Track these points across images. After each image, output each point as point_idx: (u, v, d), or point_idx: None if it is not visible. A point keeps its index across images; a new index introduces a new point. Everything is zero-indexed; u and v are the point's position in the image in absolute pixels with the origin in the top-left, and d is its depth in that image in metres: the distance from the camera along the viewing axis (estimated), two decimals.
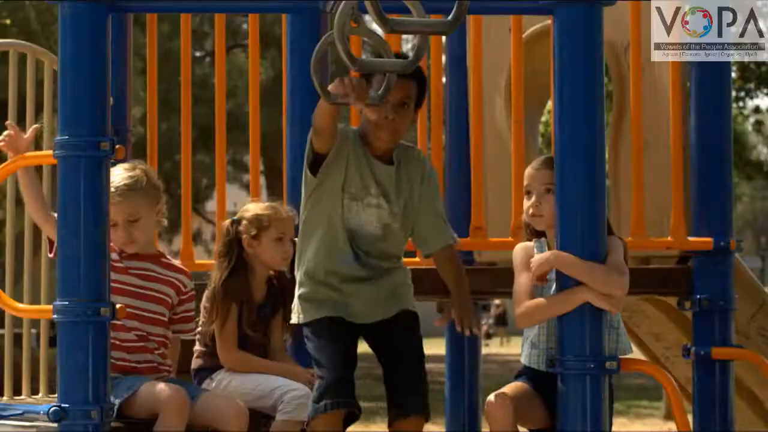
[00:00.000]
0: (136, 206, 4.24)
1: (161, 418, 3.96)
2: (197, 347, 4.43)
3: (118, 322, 4.04)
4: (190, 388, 4.16)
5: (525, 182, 4.17)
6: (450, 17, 3.29)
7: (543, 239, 4.13)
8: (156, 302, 4.27)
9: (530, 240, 4.17)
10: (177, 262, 4.47)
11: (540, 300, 3.95)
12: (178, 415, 3.95)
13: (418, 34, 3.50)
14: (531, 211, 4.10)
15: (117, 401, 3.94)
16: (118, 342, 4.13)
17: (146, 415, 4.01)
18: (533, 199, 4.09)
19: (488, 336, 30.20)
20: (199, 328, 4.40)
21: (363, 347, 4.02)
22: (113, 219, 4.06)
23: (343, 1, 3.38)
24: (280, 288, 4.38)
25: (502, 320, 29.34)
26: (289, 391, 4.18)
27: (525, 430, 4.10)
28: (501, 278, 4.52)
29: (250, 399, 4.19)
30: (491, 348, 27.21)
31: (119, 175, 4.21)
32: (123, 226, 4.20)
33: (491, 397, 4.00)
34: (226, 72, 5.35)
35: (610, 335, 3.97)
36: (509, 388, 4.05)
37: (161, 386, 4.01)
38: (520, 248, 4.13)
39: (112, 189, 4.02)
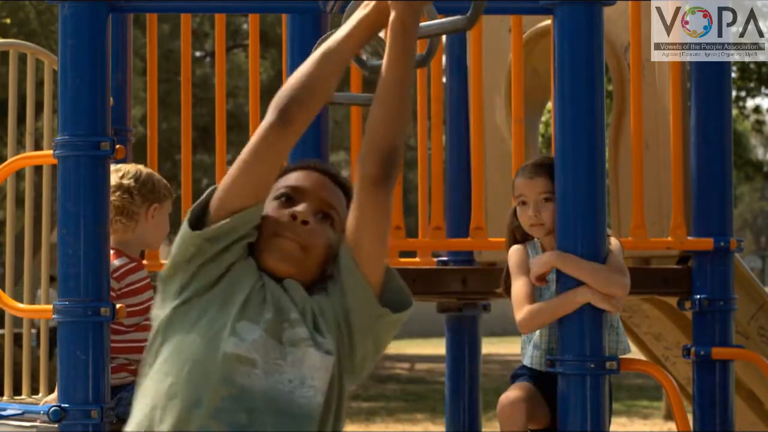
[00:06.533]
0: None
1: None
2: None
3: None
4: None
5: (516, 192, 4.08)
6: (468, 14, 3.18)
7: (536, 241, 4.11)
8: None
9: (517, 243, 4.14)
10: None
11: (541, 304, 3.91)
12: None
13: (436, 36, 3.42)
14: (531, 222, 4.03)
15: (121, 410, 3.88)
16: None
17: None
18: (530, 209, 4.03)
19: None
20: None
21: None
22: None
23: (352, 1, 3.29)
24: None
25: None
26: None
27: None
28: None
29: None
30: (491, 348, 27.14)
31: None
32: None
33: (504, 399, 3.96)
34: (226, 72, 5.34)
35: (610, 335, 3.96)
36: (521, 390, 4.00)
37: None
38: (515, 251, 4.08)
39: None
